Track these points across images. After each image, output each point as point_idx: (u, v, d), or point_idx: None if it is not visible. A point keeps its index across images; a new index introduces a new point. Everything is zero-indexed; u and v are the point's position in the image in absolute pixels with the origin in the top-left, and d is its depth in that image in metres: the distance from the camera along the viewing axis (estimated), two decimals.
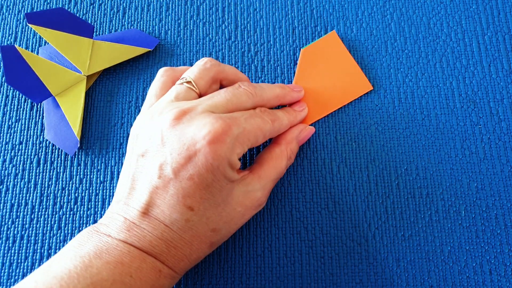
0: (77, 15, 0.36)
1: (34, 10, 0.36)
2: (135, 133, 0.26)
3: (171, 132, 0.24)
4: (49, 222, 0.30)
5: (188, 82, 0.27)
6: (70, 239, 0.30)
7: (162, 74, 0.29)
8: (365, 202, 0.31)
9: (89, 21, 0.36)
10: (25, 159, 0.32)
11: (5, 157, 0.32)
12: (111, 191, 0.31)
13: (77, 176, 0.32)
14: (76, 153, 0.32)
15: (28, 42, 0.35)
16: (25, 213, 0.31)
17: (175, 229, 0.24)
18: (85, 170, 0.32)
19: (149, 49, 0.34)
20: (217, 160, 0.23)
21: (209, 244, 0.25)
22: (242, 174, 0.26)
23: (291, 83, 0.33)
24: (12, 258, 0.30)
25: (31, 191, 0.31)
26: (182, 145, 0.23)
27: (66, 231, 0.30)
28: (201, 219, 0.24)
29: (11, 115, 0.33)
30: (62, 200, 0.31)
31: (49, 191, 0.31)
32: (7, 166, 0.32)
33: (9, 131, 0.33)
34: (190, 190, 0.23)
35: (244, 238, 0.30)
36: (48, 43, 0.35)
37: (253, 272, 0.29)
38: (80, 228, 0.30)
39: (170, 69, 0.29)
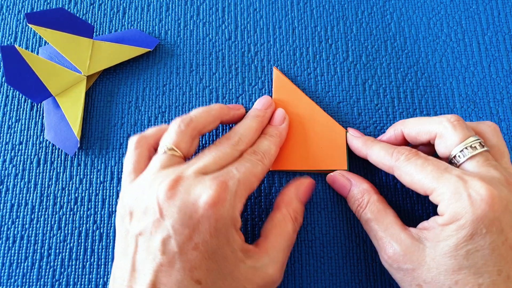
0: (77, 15, 0.36)
1: (34, 10, 0.36)
2: (127, 211, 0.24)
3: (169, 203, 0.22)
4: (49, 222, 0.30)
5: (170, 149, 0.26)
6: (70, 239, 0.30)
7: (135, 146, 0.27)
8: None
9: (89, 21, 0.36)
10: (25, 159, 0.32)
11: (5, 157, 0.32)
12: (111, 191, 0.31)
13: (77, 176, 0.32)
14: (76, 153, 0.32)
15: (28, 42, 0.35)
16: (25, 213, 0.31)
17: None
18: (85, 170, 0.32)
19: (149, 49, 0.34)
20: (221, 221, 0.22)
21: None
22: (248, 248, 0.24)
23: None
24: (12, 258, 0.30)
25: (31, 191, 0.31)
26: (183, 214, 0.22)
27: (66, 231, 0.30)
28: None
29: (11, 115, 0.33)
30: (62, 200, 0.31)
31: (49, 191, 0.31)
32: (7, 166, 0.32)
33: (9, 131, 0.33)
34: (196, 261, 0.22)
35: (244, 238, 0.30)
36: (48, 43, 0.35)
37: None
38: (80, 228, 0.30)
39: (141, 137, 0.28)
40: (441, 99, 0.33)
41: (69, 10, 0.36)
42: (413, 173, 0.24)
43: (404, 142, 0.28)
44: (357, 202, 0.27)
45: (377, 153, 0.27)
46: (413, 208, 0.30)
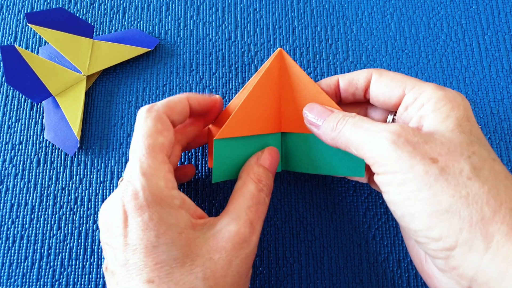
0: (77, 15, 0.36)
1: (34, 10, 0.36)
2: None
3: (99, 224, 0.23)
4: (49, 222, 0.30)
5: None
6: (70, 239, 0.30)
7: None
8: (365, 202, 0.30)
9: (89, 21, 0.36)
10: (25, 159, 0.32)
11: (5, 157, 0.32)
12: (111, 191, 0.31)
13: (77, 176, 0.32)
14: (76, 153, 0.32)
15: (28, 42, 0.35)
16: (25, 213, 0.31)
17: None
18: (85, 170, 0.32)
19: (149, 49, 0.34)
20: (141, 208, 0.21)
21: None
22: (202, 222, 0.22)
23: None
24: (12, 258, 0.30)
25: (31, 191, 0.31)
26: (108, 228, 0.22)
27: (66, 231, 0.30)
28: (168, 287, 0.20)
29: (11, 115, 0.33)
30: (62, 200, 0.31)
31: (49, 191, 0.31)
32: (7, 166, 0.32)
33: (9, 131, 0.33)
34: (141, 263, 0.20)
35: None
36: (48, 43, 0.35)
37: (253, 272, 0.29)
38: (80, 228, 0.30)
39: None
40: None
41: (69, 10, 0.36)
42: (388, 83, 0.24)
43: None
44: (337, 118, 0.23)
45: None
46: None
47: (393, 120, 0.25)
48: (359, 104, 0.28)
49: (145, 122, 0.23)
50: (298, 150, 0.28)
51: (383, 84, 0.24)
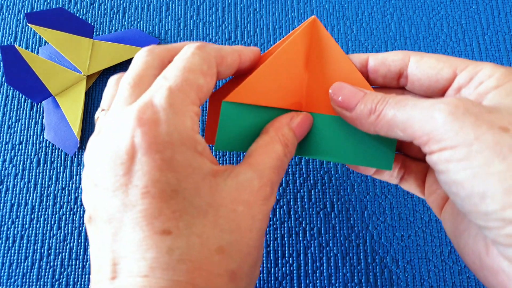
0: (77, 15, 0.36)
1: (34, 10, 0.36)
2: None
3: (88, 162, 0.19)
4: (49, 222, 0.31)
5: (103, 109, 0.22)
6: (70, 239, 0.30)
7: None
8: (364, 202, 0.31)
9: (89, 21, 0.36)
10: (25, 159, 0.32)
11: (5, 157, 0.32)
12: None
13: (77, 176, 0.32)
14: (76, 153, 0.32)
15: (28, 42, 0.35)
16: (25, 213, 0.31)
17: (159, 275, 0.16)
18: None
19: None
20: (162, 144, 0.17)
21: (228, 276, 0.17)
22: (226, 167, 0.20)
23: None
24: (12, 258, 0.30)
25: (31, 191, 0.31)
26: (108, 160, 0.17)
27: (66, 231, 0.30)
28: (189, 240, 0.17)
29: (11, 115, 0.33)
30: (62, 200, 0.31)
31: (49, 191, 0.31)
32: (7, 166, 0.32)
33: (9, 131, 0.33)
34: (152, 210, 0.17)
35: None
36: (48, 43, 0.35)
37: None
38: (80, 228, 0.30)
39: None
40: None
41: (69, 10, 0.36)
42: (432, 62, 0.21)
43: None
44: (376, 99, 0.20)
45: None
46: (415, 208, 0.30)
47: None
48: (391, 89, 0.24)
49: (192, 57, 0.20)
50: (321, 134, 0.24)
51: (427, 66, 0.21)
